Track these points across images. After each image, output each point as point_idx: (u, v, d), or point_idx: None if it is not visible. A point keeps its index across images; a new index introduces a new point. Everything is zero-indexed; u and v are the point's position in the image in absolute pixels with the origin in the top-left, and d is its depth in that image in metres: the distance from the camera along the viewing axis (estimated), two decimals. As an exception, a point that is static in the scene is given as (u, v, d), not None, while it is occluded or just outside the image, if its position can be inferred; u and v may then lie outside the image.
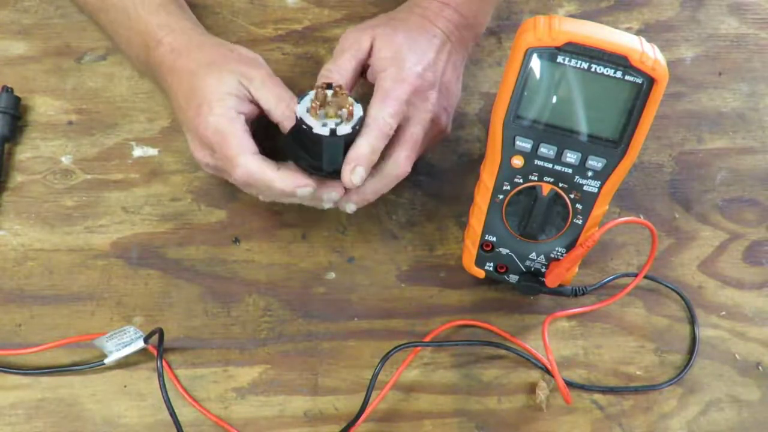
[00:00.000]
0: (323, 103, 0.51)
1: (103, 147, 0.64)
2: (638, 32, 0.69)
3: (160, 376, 0.54)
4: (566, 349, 0.60)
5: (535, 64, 0.47)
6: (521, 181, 0.52)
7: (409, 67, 0.55)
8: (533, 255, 0.56)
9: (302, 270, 0.61)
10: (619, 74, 0.46)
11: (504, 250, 0.56)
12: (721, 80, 0.70)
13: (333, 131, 0.51)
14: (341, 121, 0.51)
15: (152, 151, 0.64)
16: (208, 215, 0.62)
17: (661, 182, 0.66)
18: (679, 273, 0.63)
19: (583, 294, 0.60)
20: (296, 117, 0.51)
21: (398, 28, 0.57)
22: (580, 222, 0.53)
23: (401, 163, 0.55)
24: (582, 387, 0.59)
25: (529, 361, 0.58)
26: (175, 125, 0.65)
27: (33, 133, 0.64)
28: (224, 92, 0.54)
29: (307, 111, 0.51)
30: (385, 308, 0.61)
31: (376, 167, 0.54)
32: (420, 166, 0.60)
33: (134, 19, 0.59)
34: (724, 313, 0.62)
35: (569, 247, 0.55)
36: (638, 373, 0.60)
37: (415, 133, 0.55)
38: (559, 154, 0.50)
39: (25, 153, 0.63)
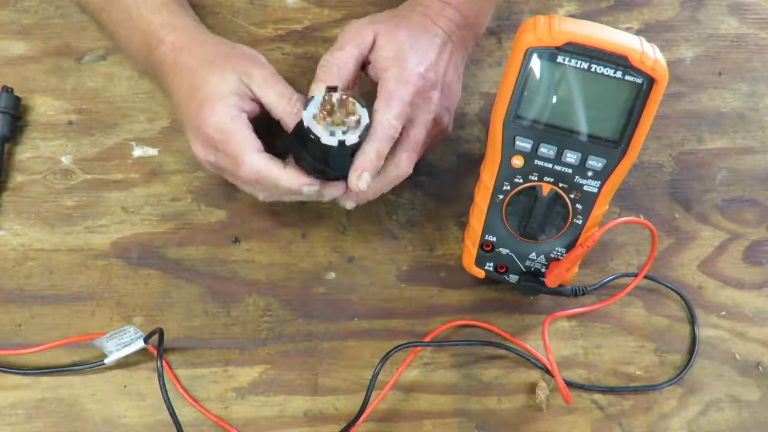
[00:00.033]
0: (330, 112, 0.51)
1: (103, 147, 0.64)
2: (638, 32, 0.69)
3: (160, 376, 0.54)
4: (566, 349, 0.60)
5: (535, 64, 0.47)
6: (521, 181, 0.52)
7: (412, 68, 0.54)
8: (533, 255, 0.56)
9: (302, 270, 0.61)
10: (619, 74, 0.46)
11: (504, 250, 0.56)
12: (721, 80, 0.70)
13: (341, 142, 0.51)
14: (348, 129, 0.51)
15: (152, 151, 0.64)
16: (208, 215, 0.62)
17: (661, 182, 0.66)
18: (679, 273, 0.63)
19: (583, 294, 0.60)
20: (303, 125, 0.51)
21: (400, 26, 0.56)
22: (580, 222, 0.53)
23: (403, 164, 0.55)
24: (582, 387, 0.59)
25: (529, 361, 0.58)
26: (175, 125, 0.65)
27: (33, 133, 0.64)
28: (226, 90, 0.54)
29: (314, 117, 0.51)
30: (385, 308, 0.61)
31: None
32: (420, 166, 0.60)
33: (136, 18, 0.59)
34: (724, 313, 0.62)
35: (569, 247, 0.55)
36: (638, 373, 0.60)
37: (417, 133, 0.56)
38: (559, 154, 0.50)
39: (25, 153, 0.63)
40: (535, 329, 0.60)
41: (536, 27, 0.47)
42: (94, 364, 0.57)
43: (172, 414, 0.54)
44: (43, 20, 0.67)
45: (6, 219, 0.61)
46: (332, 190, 0.55)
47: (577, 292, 0.60)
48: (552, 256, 0.55)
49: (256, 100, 0.55)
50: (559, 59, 0.47)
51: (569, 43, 0.46)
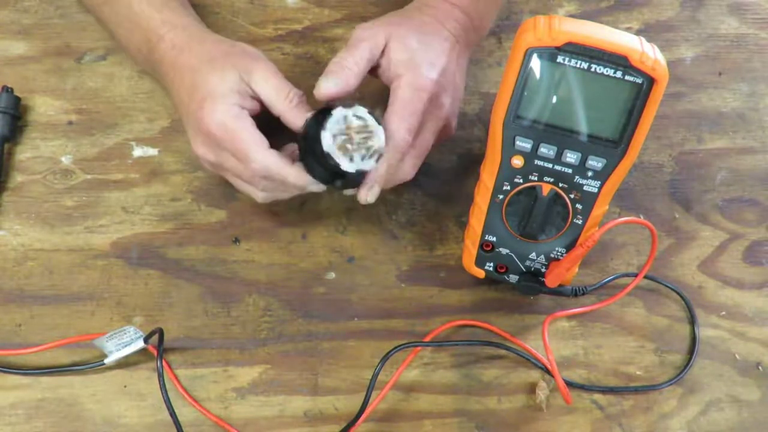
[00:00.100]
0: (350, 140, 0.51)
1: (103, 147, 0.64)
2: (638, 32, 0.69)
3: (160, 376, 0.54)
4: (566, 349, 0.60)
5: (535, 64, 0.47)
6: (521, 181, 0.52)
7: (425, 74, 0.54)
8: (533, 255, 0.56)
9: (302, 270, 0.61)
10: (619, 74, 0.46)
11: (504, 250, 0.56)
12: (721, 80, 0.70)
13: (360, 170, 0.52)
14: (366, 153, 0.52)
15: (152, 151, 0.64)
16: (208, 215, 0.62)
17: (661, 182, 0.66)
18: (679, 273, 0.63)
19: (583, 294, 0.60)
20: (319, 142, 0.51)
21: (412, 29, 0.56)
22: (580, 222, 0.53)
23: (408, 170, 0.56)
24: (582, 387, 0.59)
25: (529, 361, 0.58)
26: (175, 125, 0.65)
27: (33, 133, 0.64)
28: (226, 89, 0.54)
29: (333, 140, 0.51)
30: (385, 308, 0.61)
31: None
32: (420, 166, 0.60)
33: (137, 14, 0.59)
34: (724, 313, 0.62)
35: (569, 247, 0.54)
36: (638, 373, 0.60)
37: (426, 140, 0.56)
38: (559, 154, 0.50)
39: (25, 153, 0.63)
40: (535, 329, 0.60)
41: (536, 27, 0.47)
42: (94, 364, 0.57)
43: (172, 414, 0.54)
44: (43, 20, 0.67)
45: (6, 219, 0.61)
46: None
47: (577, 292, 0.60)
48: (552, 256, 0.55)
49: (256, 98, 0.55)
50: (559, 59, 0.47)
51: (569, 43, 0.46)
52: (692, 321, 0.61)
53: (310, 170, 0.53)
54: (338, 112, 0.51)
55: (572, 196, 0.52)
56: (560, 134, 0.49)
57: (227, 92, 0.54)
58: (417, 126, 0.54)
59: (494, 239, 0.56)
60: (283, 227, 0.62)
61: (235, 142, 0.53)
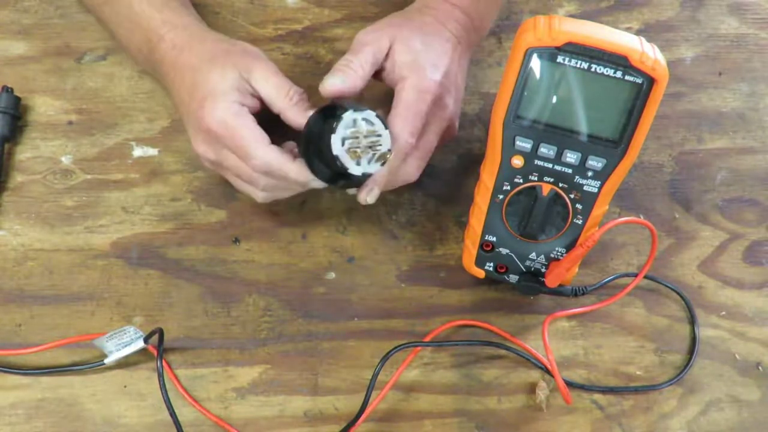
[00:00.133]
0: (359, 142, 0.51)
1: (103, 147, 0.64)
2: (638, 32, 0.69)
3: (160, 376, 0.54)
4: (566, 349, 0.60)
5: (535, 64, 0.47)
6: (521, 181, 0.52)
7: (429, 76, 0.54)
8: (533, 255, 0.56)
9: (302, 270, 0.61)
10: (619, 74, 0.46)
11: (504, 250, 0.56)
12: (721, 80, 0.70)
13: (366, 173, 0.52)
14: (372, 157, 0.52)
15: (152, 151, 0.64)
16: (208, 215, 0.62)
17: (661, 182, 0.66)
18: (679, 273, 0.63)
19: (583, 294, 0.60)
20: (331, 154, 0.51)
21: (414, 31, 0.56)
22: (580, 222, 0.53)
23: (412, 172, 0.56)
24: (582, 387, 0.59)
25: (529, 361, 0.58)
26: (175, 125, 0.65)
27: (33, 133, 0.64)
28: (227, 87, 0.54)
29: (342, 141, 0.51)
30: (385, 308, 0.61)
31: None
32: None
33: (138, 14, 0.59)
34: (724, 313, 0.62)
35: (569, 247, 0.54)
36: (638, 373, 0.60)
37: (429, 141, 0.56)
38: (559, 154, 0.50)
39: (25, 153, 0.63)
40: (535, 329, 0.60)
41: (536, 27, 0.47)
42: (94, 364, 0.57)
43: (172, 414, 0.54)
44: (43, 20, 0.67)
45: (6, 219, 0.61)
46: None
47: (577, 292, 0.60)
48: (552, 256, 0.55)
49: (257, 96, 0.55)
50: (559, 59, 0.47)
51: (569, 43, 0.46)
52: (692, 321, 0.61)
53: (312, 168, 0.53)
54: (348, 116, 0.51)
55: (572, 196, 0.52)
56: (560, 134, 0.49)
57: (228, 90, 0.54)
58: (420, 128, 0.54)
59: (494, 239, 0.56)
60: (283, 227, 0.62)
61: (236, 139, 0.53)
